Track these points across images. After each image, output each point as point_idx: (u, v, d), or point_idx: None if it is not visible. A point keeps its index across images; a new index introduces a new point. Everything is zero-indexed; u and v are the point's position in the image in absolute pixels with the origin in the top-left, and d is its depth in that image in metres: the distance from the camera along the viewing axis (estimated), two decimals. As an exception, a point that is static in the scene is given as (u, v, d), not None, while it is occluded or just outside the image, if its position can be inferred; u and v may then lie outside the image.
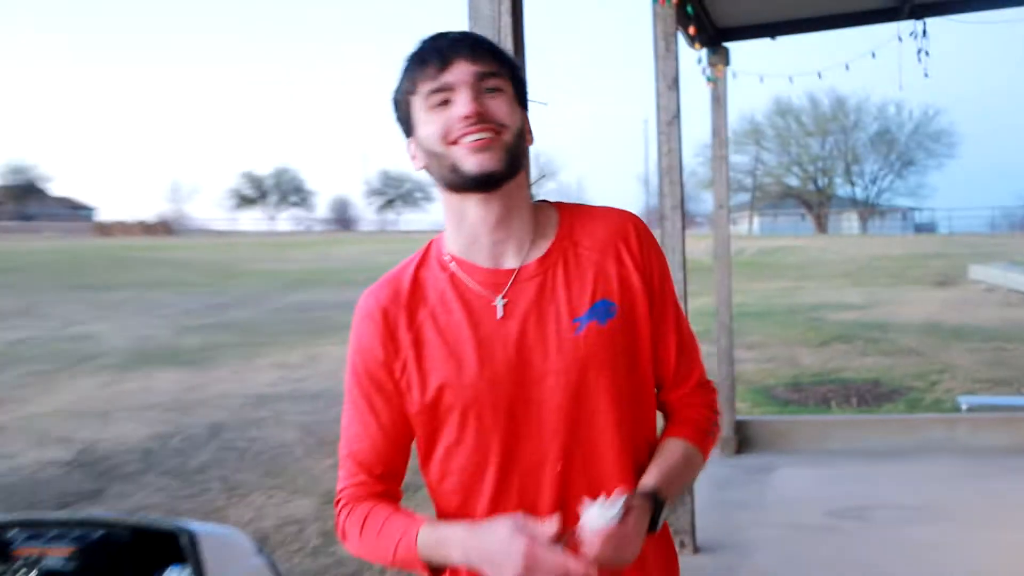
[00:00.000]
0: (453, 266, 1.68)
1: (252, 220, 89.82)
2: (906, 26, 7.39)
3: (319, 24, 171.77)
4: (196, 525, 2.90)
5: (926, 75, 7.38)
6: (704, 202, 68.19)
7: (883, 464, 7.06)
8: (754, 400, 9.85)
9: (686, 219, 5.41)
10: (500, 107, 1.58)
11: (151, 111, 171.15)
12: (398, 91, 1.68)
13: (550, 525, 1.46)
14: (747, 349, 12.37)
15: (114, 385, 11.60)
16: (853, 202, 69.02)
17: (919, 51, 7.36)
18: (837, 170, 68.15)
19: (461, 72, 1.57)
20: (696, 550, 5.25)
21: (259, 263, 35.33)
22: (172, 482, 7.30)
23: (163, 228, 70.19)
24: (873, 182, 67.83)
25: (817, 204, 68.19)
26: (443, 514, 1.74)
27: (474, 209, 1.63)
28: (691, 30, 6.45)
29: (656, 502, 1.61)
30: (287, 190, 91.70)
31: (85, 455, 8.12)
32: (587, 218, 1.73)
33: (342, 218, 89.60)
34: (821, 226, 66.68)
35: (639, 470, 1.69)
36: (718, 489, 6.58)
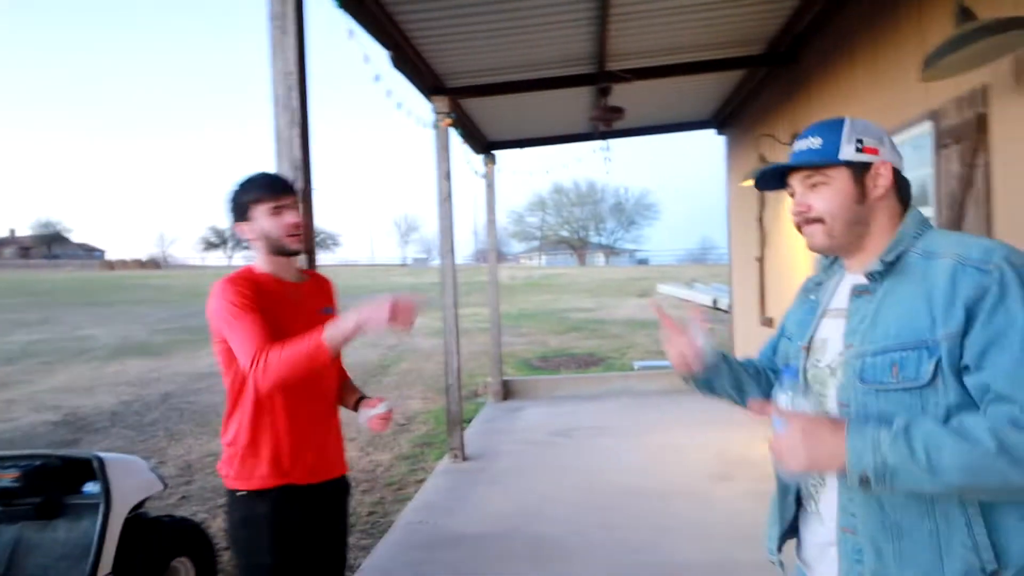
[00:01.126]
0: (259, 275, 1.94)
1: (216, 259, 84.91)
2: (600, 143, 7.88)
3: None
4: (105, 454, 2.87)
5: (607, 172, 7.90)
6: (512, 246, 69.65)
7: (587, 403, 7.38)
8: (518, 368, 10.07)
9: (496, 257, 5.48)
10: (304, 219, 2.03)
11: (146, 176, 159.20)
12: (239, 201, 1.91)
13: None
14: (520, 336, 12.65)
15: (99, 369, 10.82)
16: (600, 246, 71.70)
17: (605, 159, 7.88)
18: (591, 227, 70.76)
19: (291, 200, 1.92)
20: (465, 459, 5.41)
21: (215, 287, 33.36)
22: (130, 432, 6.91)
23: (152, 264, 65.48)
24: (612, 234, 70.93)
25: (579, 247, 70.44)
26: None
27: (281, 260, 1.96)
28: (463, 143, 6.66)
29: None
30: (240, 239, 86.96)
31: (70, 417, 7.59)
32: (320, 276, 2.22)
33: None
34: (581, 260, 68.70)
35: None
36: (486, 423, 6.76)
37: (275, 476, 1.86)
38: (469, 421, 6.78)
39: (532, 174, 8.34)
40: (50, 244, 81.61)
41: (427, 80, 5.25)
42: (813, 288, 1.36)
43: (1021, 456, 0.97)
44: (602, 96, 5.36)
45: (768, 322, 6.12)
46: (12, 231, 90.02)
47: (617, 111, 5.27)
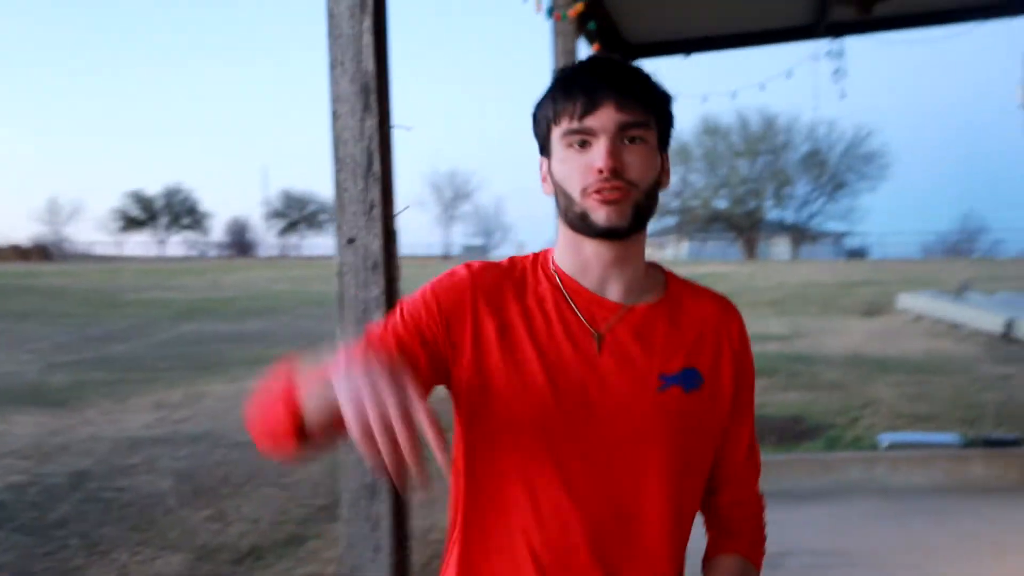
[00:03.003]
0: (558, 279, 1.72)
1: (140, 244, 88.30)
2: (823, 45, 7.57)
3: (206, 29, 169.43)
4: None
5: (843, 96, 7.56)
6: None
7: (800, 507, 7.08)
8: (670, 439, 9.75)
9: None
10: (636, 162, 1.61)
11: (26, 121, 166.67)
12: (540, 109, 1.71)
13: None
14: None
15: (-38, 429, 11.17)
16: (784, 226, 70.23)
17: (836, 70, 7.53)
18: (767, 192, 69.44)
19: (605, 119, 1.59)
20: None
21: (145, 291, 34.59)
22: (25, 539, 7.00)
23: (39, 253, 68.41)
24: (804, 205, 69.29)
25: (747, 228, 69.33)
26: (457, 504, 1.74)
27: (592, 247, 1.68)
28: (595, 47, 6.50)
29: None
30: (179, 211, 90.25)
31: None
32: (696, 292, 1.82)
33: (239, 242, 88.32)
34: (751, 251, 67.77)
35: (678, 544, 1.72)
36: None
37: None
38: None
39: (706, 99, 7.93)
40: None
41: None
42: None
43: None
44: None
45: None
46: None
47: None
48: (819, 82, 7.69)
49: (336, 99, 2.49)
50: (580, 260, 1.71)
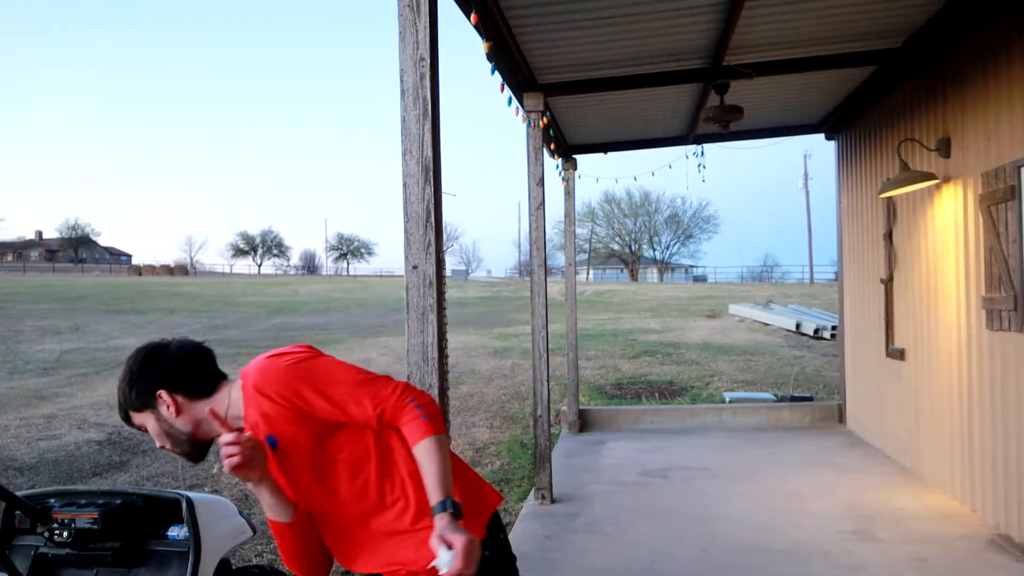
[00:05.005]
0: None
1: (244, 266, 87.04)
2: (691, 148, 7.63)
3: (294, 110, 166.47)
4: (193, 494, 2.69)
5: (703, 180, 7.63)
6: (558, 259, 69.29)
7: (677, 439, 7.08)
8: (591, 395, 9.79)
9: (547, 272, 5.37)
10: (158, 428, 1.74)
11: (175, 182, 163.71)
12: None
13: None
14: (586, 360, 12.36)
15: (137, 384, 10.88)
16: (654, 260, 70.87)
17: (699, 165, 7.60)
18: (644, 240, 69.97)
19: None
20: (553, 501, 5.16)
21: (249, 297, 33.92)
22: (183, 459, 6.84)
23: (180, 270, 67.19)
24: (667, 248, 69.99)
25: (631, 261, 69.70)
26: None
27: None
28: (552, 146, 6.49)
29: (451, 505, 1.49)
30: (270, 245, 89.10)
31: (115, 436, 7.54)
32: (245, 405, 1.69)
33: (309, 265, 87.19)
34: (634, 276, 68.00)
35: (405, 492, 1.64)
36: (567, 457, 6.50)
37: None
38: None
39: (617, 180, 8.11)
40: (77, 247, 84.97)
41: (521, 75, 5.06)
42: None
43: None
44: (720, 95, 5.08)
45: (898, 353, 5.72)
46: (39, 233, 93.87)
47: (736, 111, 5.00)
48: (689, 170, 7.78)
49: (407, 175, 2.44)
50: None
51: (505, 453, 6.89)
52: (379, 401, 1.61)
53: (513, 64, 4.83)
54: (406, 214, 2.49)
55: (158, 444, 1.75)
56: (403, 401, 1.61)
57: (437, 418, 1.62)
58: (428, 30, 2.44)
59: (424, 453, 1.55)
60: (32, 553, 2.71)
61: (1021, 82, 3.96)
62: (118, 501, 2.67)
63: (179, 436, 1.74)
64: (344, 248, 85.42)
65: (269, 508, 1.59)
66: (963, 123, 4.63)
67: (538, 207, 5.14)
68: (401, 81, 2.43)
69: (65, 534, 2.61)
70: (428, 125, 2.42)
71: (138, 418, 1.74)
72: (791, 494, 5.13)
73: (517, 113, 4.47)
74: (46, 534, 2.64)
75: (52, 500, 2.72)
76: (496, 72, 3.93)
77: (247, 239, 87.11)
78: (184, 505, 2.60)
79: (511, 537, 4.39)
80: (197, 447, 1.77)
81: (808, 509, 4.80)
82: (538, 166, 5.14)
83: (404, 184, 2.46)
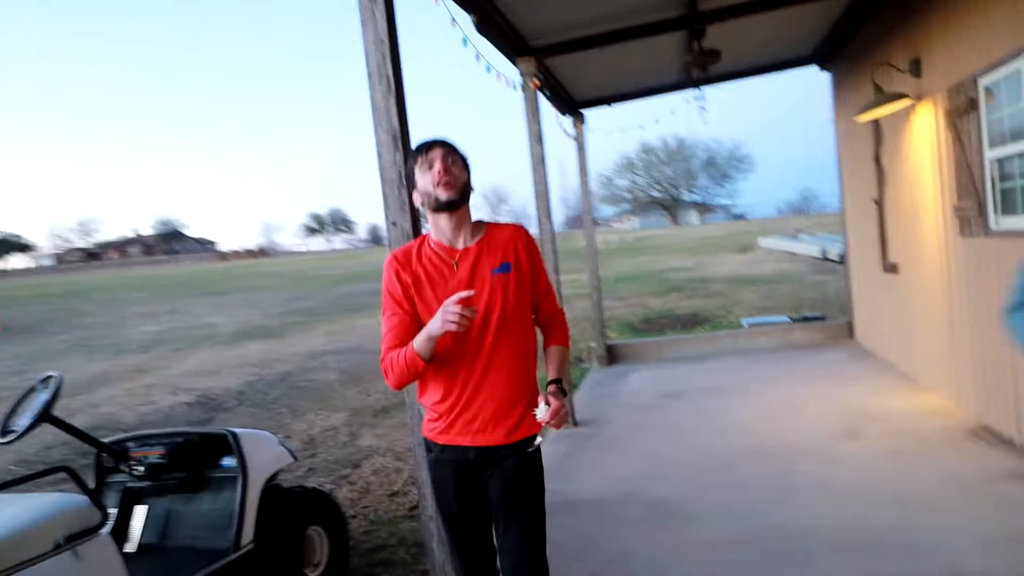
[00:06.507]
0: (433, 244, 1.98)
1: (317, 243, 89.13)
2: (692, 93, 7.53)
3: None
4: (238, 430, 3.02)
5: (705, 123, 7.56)
6: (603, 211, 68.86)
7: (695, 364, 7.20)
8: (621, 331, 9.91)
9: (578, 222, 5.46)
10: (457, 169, 1.93)
11: (252, 175, 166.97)
12: (407, 167, 2.02)
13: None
14: (619, 300, 12.46)
15: (223, 353, 11.55)
16: (693, 204, 69.49)
17: (700, 109, 7.53)
18: (682, 184, 68.62)
19: (437, 151, 1.93)
20: (576, 424, 5.40)
21: (321, 271, 34.98)
22: (256, 410, 7.33)
23: (261, 252, 69.50)
24: (705, 190, 68.52)
25: (671, 207, 68.62)
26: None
27: (443, 220, 1.95)
28: (559, 105, 6.52)
29: (561, 385, 1.96)
30: (338, 222, 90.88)
31: (202, 398, 8.12)
32: (501, 226, 2.04)
33: (375, 237, 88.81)
34: (675, 220, 66.94)
35: (526, 350, 1.99)
36: (594, 387, 6.72)
37: (431, 433, 2.03)
38: (576, 387, 6.76)
39: (625, 131, 8.11)
40: (169, 240, 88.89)
41: (512, 42, 5.14)
42: None
43: None
44: (695, 40, 5.07)
45: (892, 268, 5.70)
46: (136, 231, 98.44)
47: (714, 54, 4.99)
48: (691, 116, 7.69)
49: (379, 144, 2.59)
50: (439, 231, 1.97)
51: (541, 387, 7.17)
52: (556, 303, 2.15)
53: (503, 34, 4.92)
54: (382, 178, 2.65)
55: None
56: (563, 315, 2.17)
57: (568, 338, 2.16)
58: (386, 16, 2.59)
59: (559, 350, 2.09)
60: (120, 489, 3.10)
61: (976, -3, 3.87)
62: (180, 440, 3.03)
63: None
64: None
65: (425, 349, 1.86)
66: (931, 43, 4.53)
67: (538, 164, 5.26)
68: (366, 63, 2.61)
69: (141, 468, 2.99)
70: (393, 100, 2.58)
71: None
72: (790, 404, 5.23)
73: (499, 79, 4.57)
74: (126, 470, 3.03)
75: (130, 443, 3.09)
76: (468, 44, 4.04)
77: (316, 219, 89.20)
78: (231, 439, 2.94)
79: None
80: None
81: (804, 415, 4.91)
82: (535, 125, 5.24)
83: (378, 153, 2.63)
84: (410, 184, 2.01)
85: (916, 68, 4.69)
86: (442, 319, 1.77)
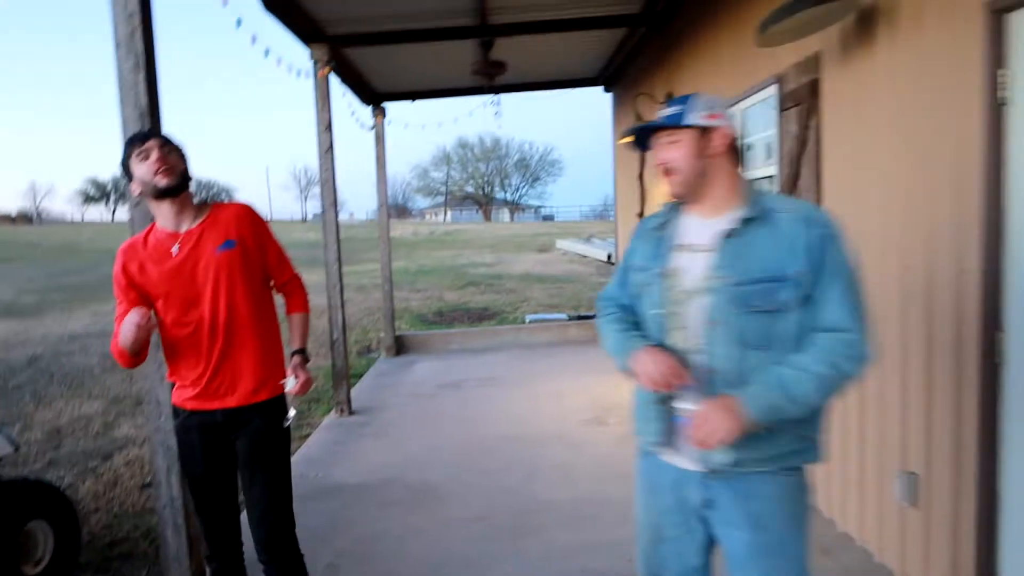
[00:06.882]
0: (159, 231, 2.05)
1: (96, 213, 78.98)
2: (489, 97, 7.88)
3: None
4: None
5: (499, 127, 7.97)
6: (418, 202, 68.86)
7: (478, 357, 7.55)
8: (413, 323, 10.06)
9: (394, 212, 5.42)
10: (174, 157, 2.01)
11: (15, 121, 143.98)
12: (122, 159, 2.02)
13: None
14: (417, 292, 12.62)
15: (-43, 334, 9.99)
16: (505, 202, 71.88)
17: (495, 114, 7.91)
18: (495, 182, 70.72)
19: (152, 141, 1.99)
20: (352, 413, 5.46)
21: (97, 243, 31.21)
22: (-9, 399, 6.49)
23: (23, 219, 60.26)
24: (516, 190, 71.19)
25: (484, 203, 70.32)
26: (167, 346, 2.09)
27: (166, 206, 2.01)
28: (357, 93, 6.48)
29: (304, 354, 2.14)
30: (123, 191, 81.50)
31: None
32: (223, 208, 2.11)
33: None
34: (487, 216, 68.70)
35: (264, 316, 2.12)
36: (377, 376, 6.81)
37: (179, 400, 2.13)
38: (360, 376, 6.79)
39: (425, 128, 8.32)
40: None
41: (303, 26, 5.07)
42: (657, 228, 1.64)
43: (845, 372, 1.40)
44: (484, 49, 5.36)
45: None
46: None
47: (499, 65, 5.30)
48: (487, 118, 8.02)
49: (125, 120, 2.50)
50: (161, 215, 2.04)
51: (322, 377, 7.08)
52: (291, 271, 2.25)
53: (293, 16, 4.84)
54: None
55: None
56: (299, 280, 2.27)
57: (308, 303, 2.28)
58: (139, -12, 2.49)
59: (300, 317, 2.23)
60: None
61: (714, 44, 4.51)
62: None
63: None
64: (203, 193, 79.91)
65: (136, 345, 1.89)
66: (681, 80, 5.20)
67: (325, 152, 5.24)
68: (114, 35, 2.48)
69: None
70: (143, 76, 2.49)
71: None
72: (556, 395, 5.72)
73: (279, 64, 4.51)
74: None
75: None
76: (240, 24, 3.95)
77: (97, 185, 78.98)
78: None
79: (306, 446, 4.69)
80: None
81: (563, 405, 5.41)
82: (324, 112, 5.21)
83: (124, 131, 2.52)
84: (128, 175, 2.05)
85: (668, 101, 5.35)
86: (123, 331, 1.85)
